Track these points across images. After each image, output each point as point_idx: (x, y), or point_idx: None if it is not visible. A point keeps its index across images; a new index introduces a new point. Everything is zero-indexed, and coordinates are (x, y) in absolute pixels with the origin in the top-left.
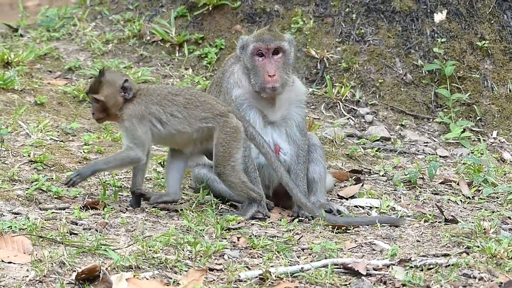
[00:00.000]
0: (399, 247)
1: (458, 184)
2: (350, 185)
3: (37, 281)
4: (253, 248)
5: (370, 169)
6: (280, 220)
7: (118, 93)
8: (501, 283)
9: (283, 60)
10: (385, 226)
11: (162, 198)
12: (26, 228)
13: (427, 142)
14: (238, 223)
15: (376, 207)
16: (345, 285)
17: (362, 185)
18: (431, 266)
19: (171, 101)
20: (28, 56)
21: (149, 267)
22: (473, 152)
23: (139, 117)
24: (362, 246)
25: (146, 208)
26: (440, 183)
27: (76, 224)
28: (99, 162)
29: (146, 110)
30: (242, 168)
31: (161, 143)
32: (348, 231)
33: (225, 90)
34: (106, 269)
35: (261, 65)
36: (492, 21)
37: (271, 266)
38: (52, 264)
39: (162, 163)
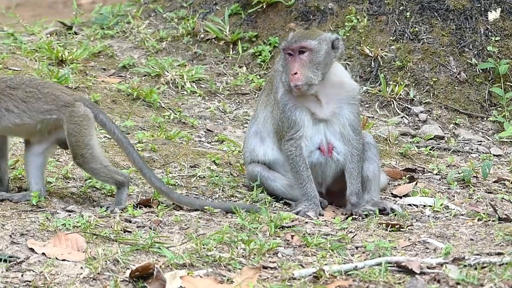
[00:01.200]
0: (453, 245)
1: (511, 183)
2: (404, 183)
3: (91, 279)
4: (307, 246)
5: (423, 168)
6: (334, 218)
7: None
8: None
9: (309, 58)
10: (438, 225)
11: (25, 198)
12: (80, 226)
13: (481, 141)
14: (292, 221)
15: (430, 206)
16: (399, 283)
17: (416, 184)
18: (485, 265)
19: (7, 95)
20: (82, 53)
21: (203, 265)
22: None
23: None
24: (415, 244)
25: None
26: (494, 181)
27: (130, 222)
28: None
29: None
30: (101, 152)
31: (6, 133)
32: (402, 229)
33: (274, 89)
34: (160, 266)
35: (288, 64)
36: None
37: (325, 264)
38: (106, 261)
39: (215, 161)
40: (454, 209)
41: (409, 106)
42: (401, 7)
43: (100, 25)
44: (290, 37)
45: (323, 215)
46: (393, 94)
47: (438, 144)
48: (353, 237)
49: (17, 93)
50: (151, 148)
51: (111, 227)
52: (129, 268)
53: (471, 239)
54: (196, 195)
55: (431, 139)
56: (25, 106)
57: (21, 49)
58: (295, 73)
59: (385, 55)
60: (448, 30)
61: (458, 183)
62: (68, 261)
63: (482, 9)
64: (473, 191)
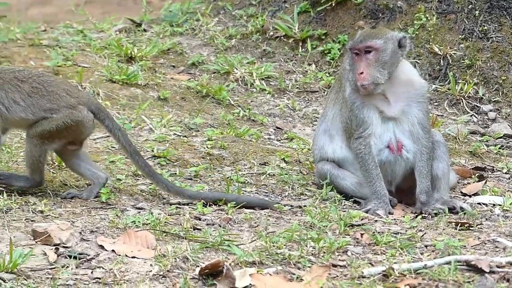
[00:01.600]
0: None
1: None
2: (473, 182)
3: (161, 276)
4: (376, 245)
5: (493, 167)
6: (403, 216)
7: None
8: None
9: (375, 58)
10: (508, 224)
11: (93, 192)
12: (149, 223)
13: None
14: (362, 219)
15: (499, 205)
16: (468, 282)
17: (485, 182)
18: None
19: (15, 86)
20: (152, 51)
21: (272, 262)
22: None
23: None
24: (485, 243)
25: None
26: None
27: (200, 219)
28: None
29: None
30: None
31: (12, 126)
32: (471, 228)
33: (343, 87)
34: (230, 264)
35: (355, 63)
36: None
37: (394, 263)
38: (175, 259)
39: (285, 159)
40: None
41: (478, 104)
42: (470, 6)
43: (169, 22)
44: (356, 37)
45: (392, 214)
46: (462, 93)
47: (508, 143)
48: (422, 235)
49: (24, 86)
50: (220, 146)
51: (181, 224)
52: (198, 266)
53: None
54: (266, 193)
55: (500, 137)
56: (30, 101)
57: (90, 46)
58: (361, 73)
59: (454, 53)
60: None
61: None
62: (137, 258)
63: None
64: None
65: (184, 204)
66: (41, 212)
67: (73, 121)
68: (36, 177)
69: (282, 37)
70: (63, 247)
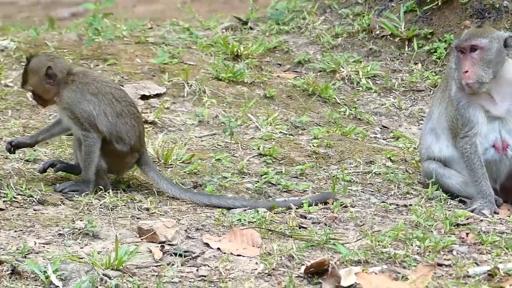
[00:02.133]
0: None
1: None
2: None
3: (266, 274)
4: (482, 244)
5: None
6: (509, 216)
7: (44, 81)
8: None
9: (480, 56)
10: None
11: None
12: (255, 221)
13: None
14: (467, 218)
15: None
16: None
17: None
18: None
19: (109, 101)
20: (258, 49)
21: (377, 261)
22: None
23: (76, 103)
24: None
25: (375, 203)
26: None
27: (305, 218)
28: (87, 170)
29: (82, 97)
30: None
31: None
32: None
33: (449, 86)
34: (335, 263)
35: (460, 62)
36: None
37: (500, 263)
38: (281, 257)
39: (391, 158)
40: None
41: None
42: None
43: (275, 21)
44: (462, 36)
45: (498, 213)
46: None
47: None
48: None
49: (117, 105)
50: (326, 144)
51: (286, 223)
52: (304, 264)
53: None
54: (372, 192)
55: None
56: (115, 120)
57: (196, 43)
58: (466, 71)
59: None
60: None
61: None
62: (243, 256)
63: None
64: None
65: None
66: (147, 209)
67: (125, 161)
68: (100, 181)
69: (388, 36)
70: (169, 244)
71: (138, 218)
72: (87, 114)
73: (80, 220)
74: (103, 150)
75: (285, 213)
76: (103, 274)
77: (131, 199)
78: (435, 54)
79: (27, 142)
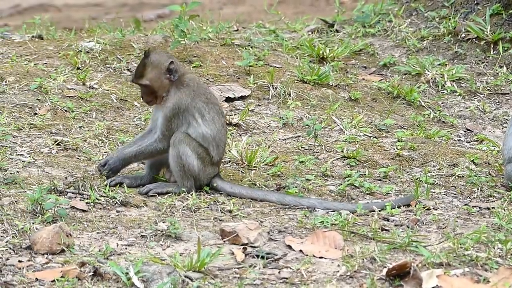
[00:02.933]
0: None
1: None
2: None
3: (348, 277)
4: None
5: None
6: None
7: (164, 75)
8: None
9: None
10: None
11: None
12: (338, 224)
13: None
14: None
15: None
16: None
17: None
18: None
19: (216, 110)
20: (343, 51)
21: (459, 264)
22: None
23: (182, 110)
24: None
25: (457, 205)
26: None
27: (388, 220)
28: (128, 155)
29: (192, 103)
30: None
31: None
32: None
33: None
34: (417, 265)
35: None
36: None
37: None
38: (363, 259)
39: (474, 161)
40: None
41: None
42: None
43: (361, 23)
44: None
45: None
46: None
47: None
48: None
49: (221, 118)
50: (410, 147)
51: (369, 225)
52: (385, 267)
53: None
54: (454, 194)
55: None
56: (220, 128)
57: (282, 46)
58: None
59: None
60: None
61: None
62: (325, 258)
63: None
64: None
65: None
66: (230, 211)
67: (208, 171)
68: (185, 183)
69: (474, 39)
70: (251, 246)
71: (220, 220)
72: (187, 120)
73: (163, 222)
74: (199, 154)
75: (368, 215)
76: (185, 276)
77: (214, 201)
78: None
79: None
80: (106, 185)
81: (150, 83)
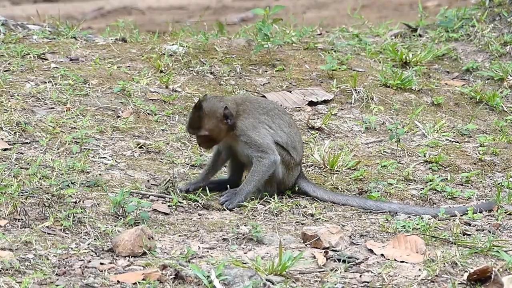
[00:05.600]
0: None
1: None
2: None
3: (429, 281)
4: None
5: None
6: None
7: (221, 122)
8: None
9: None
10: None
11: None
12: (419, 228)
13: None
14: None
15: None
16: None
17: None
18: None
19: (278, 114)
20: (426, 56)
21: None
22: None
23: (251, 128)
24: None
25: None
26: None
27: (469, 225)
28: (246, 188)
29: (256, 120)
30: None
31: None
32: None
33: None
34: (498, 270)
35: None
36: None
37: None
38: (444, 264)
39: None
40: None
41: None
42: None
43: (444, 28)
44: None
45: None
46: None
47: None
48: None
49: (285, 117)
50: (492, 152)
51: (450, 229)
52: (466, 271)
53: None
54: None
55: None
56: (288, 130)
57: (365, 50)
58: None
59: None
60: None
61: None
62: (406, 262)
63: None
64: None
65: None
66: (312, 215)
67: (293, 173)
68: (268, 188)
69: None
70: (333, 250)
71: (302, 223)
72: (263, 135)
73: (245, 225)
74: (283, 160)
75: (450, 220)
76: (266, 279)
77: (296, 205)
78: None
79: (201, 185)
80: (188, 190)
81: (209, 133)
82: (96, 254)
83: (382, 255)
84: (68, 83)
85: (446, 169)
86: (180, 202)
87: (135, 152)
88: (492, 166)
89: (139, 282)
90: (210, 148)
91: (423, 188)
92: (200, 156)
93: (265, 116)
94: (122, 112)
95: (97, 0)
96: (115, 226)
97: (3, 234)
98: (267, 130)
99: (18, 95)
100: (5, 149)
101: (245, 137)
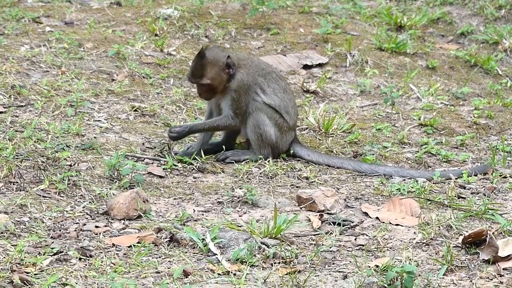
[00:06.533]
0: None
1: None
2: None
3: (424, 244)
4: None
5: None
6: None
7: (223, 71)
8: None
9: None
10: None
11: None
12: (414, 191)
13: None
14: None
15: None
16: None
17: None
18: None
19: (274, 79)
20: (421, 20)
21: None
22: None
23: (246, 89)
24: None
25: None
26: None
27: (464, 188)
28: (197, 125)
29: (253, 80)
30: None
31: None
32: None
33: None
34: (493, 233)
35: None
36: None
37: None
38: (439, 227)
39: None
40: None
41: None
42: None
43: None
44: None
45: None
46: None
47: None
48: None
49: (281, 82)
50: (487, 115)
51: (445, 192)
52: (461, 234)
53: None
54: None
55: None
56: (283, 96)
57: (360, 14)
58: None
59: None
60: None
61: None
62: (401, 226)
63: None
64: None
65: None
66: (307, 178)
67: (286, 137)
68: (263, 151)
69: None
70: (327, 213)
71: (297, 186)
72: (247, 101)
73: (240, 188)
74: (276, 121)
75: (444, 183)
76: (261, 242)
77: (291, 168)
78: None
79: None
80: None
81: (211, 82)
82: (91, 217)
83: (377, 218)
84: (63, 47)
85: (441, 132)
86: (175, 165)
87: (130, 115)
88: (487, 129)
89: (134, 245)
90: (210, 99)
91: (418, 151)
92: (195, 119)
93: (262, 78)
94: (117, 75)
95: None
96: (110, 189)
97: None
98: (256, 94)
99: (13, 59)
100: (0, 112)
101: (235, 94)
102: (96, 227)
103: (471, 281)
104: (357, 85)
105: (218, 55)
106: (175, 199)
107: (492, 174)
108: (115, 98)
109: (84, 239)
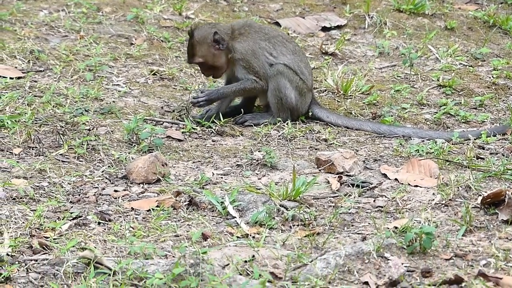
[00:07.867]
0: None
1: None
2: None
3: (443, 205)
4: None
5: None
6: None
7: (212, 47)
8: None
9: None
10: None
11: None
12: (433, 152)
13: None
14: None
15: None
16: None
17: None
18: None
19: (281, 42)
20: None
21: None
22: None
23: (250, 54)
24: None
25: None
26: None
27: (483, 148)
28: (227, 89)
29: (256, 45)
30: None
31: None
32: None
33: None
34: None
35: None
36: None
37: None
38: (458, 188)
39: None
40: None
41: None
42: None
43: None
44: None
45: None
46: None
47: None
48: None
49: (289, 45)
50: (506, 75)
51: (464, 153)
52: (480, 195)
53: None
54: None
55: None
56: (293, 57)
57: None
58: None
59: None
60: None
61: None
62: (420, 187)
63: None
64: None
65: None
66: (325, 140)
67: (305, 100)
68: (281, 114)
69: None
70: (346, 175)
71: (316, 149)
72: (262, 64)
73: (258, 151)
74: (297, 85)
75: (463, 143)
76: (280, 205)
77: (310, 130)
78: None
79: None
80: (202, 118)
81: (203, 60)
82: (110, 181)
83: (396, 179)
84: (82, 11)
85: (460, 93)
86: (194, 128)
87: (149, 79)
88: (505, 89)
89: (153, 209)
90: (215, 77)
91: (436, 112)
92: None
93: (266, 42)
94: (135, 39)
95: None
96: (129, 153)
97: (17, 162)
98: (266, 58)
99: (31, 24)
100: (19, 77)
101: (244, 62)
102: (115, 191)
103: (490, 241)
104: (375, 47)
105: (206, 32)
106: (194, 162)
107: (511, 134)
108: (133, 62)
109: (103, 204)
